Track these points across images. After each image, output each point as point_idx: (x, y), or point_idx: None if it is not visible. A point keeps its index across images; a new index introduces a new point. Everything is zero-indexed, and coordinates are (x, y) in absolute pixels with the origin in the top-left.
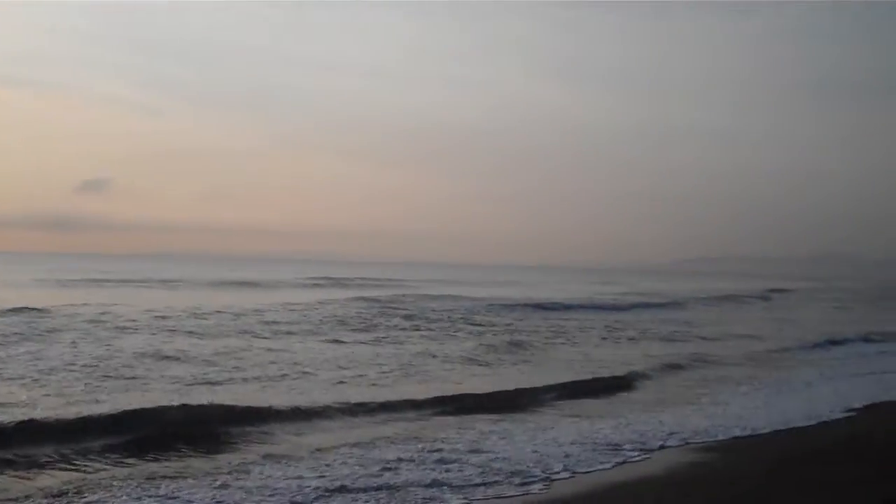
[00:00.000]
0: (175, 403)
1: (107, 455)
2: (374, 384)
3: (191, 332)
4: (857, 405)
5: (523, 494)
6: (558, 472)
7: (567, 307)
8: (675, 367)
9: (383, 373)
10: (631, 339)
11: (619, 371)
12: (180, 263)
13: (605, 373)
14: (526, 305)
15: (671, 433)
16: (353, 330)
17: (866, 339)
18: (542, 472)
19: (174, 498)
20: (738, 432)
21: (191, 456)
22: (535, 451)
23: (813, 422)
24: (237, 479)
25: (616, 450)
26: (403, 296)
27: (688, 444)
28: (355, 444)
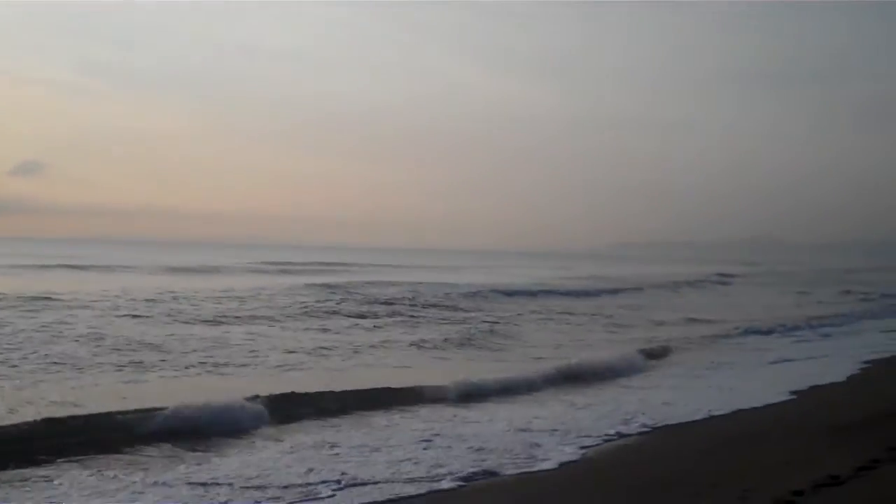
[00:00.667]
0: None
1: None
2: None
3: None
4: (798, 388)
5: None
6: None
7: (532, 293)
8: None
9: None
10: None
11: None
12: (119, 247)
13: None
14: (496, 291)
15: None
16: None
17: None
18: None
19: None
20: (676, 417)
21: None
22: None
23: (755, 405)
24: None
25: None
26: (367, 283)
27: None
28: None
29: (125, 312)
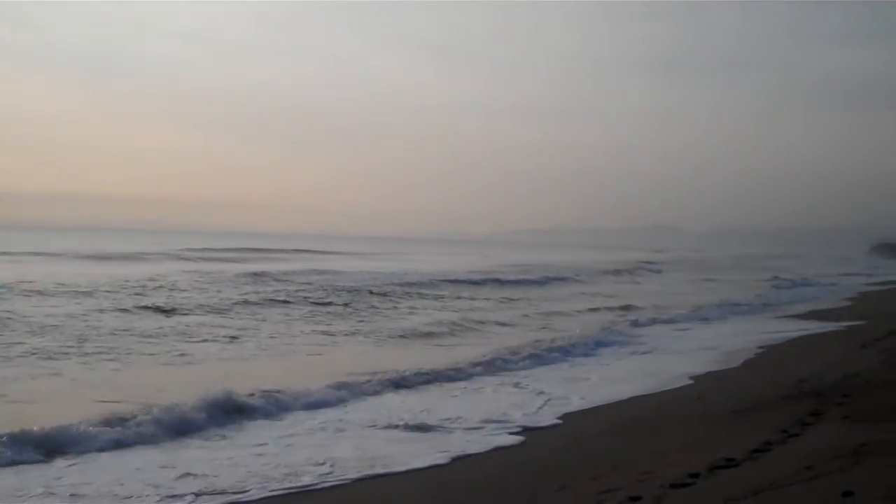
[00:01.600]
0: None
1: None
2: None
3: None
4: (696, 373)
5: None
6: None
7: (477, 283)
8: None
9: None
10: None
11: None
12: (21, 234)
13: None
14: (442, 280)
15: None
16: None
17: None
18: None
19: None
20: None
21: None
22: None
23: (655, 390)
24: None
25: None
26: (296, 271)
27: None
28: None
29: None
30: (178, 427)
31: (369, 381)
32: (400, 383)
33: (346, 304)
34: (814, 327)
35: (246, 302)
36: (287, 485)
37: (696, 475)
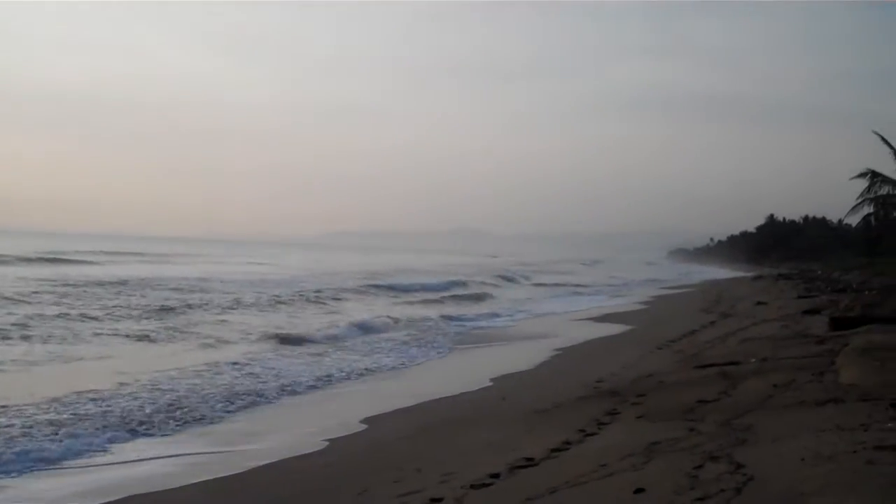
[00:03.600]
0: None
1: None
2: None
3: None
4: (495, 374)
5: None
6: None
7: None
8: None
9: None
10: None
11: None
12: None
13: None
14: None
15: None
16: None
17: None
18: None
19: None
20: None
21: None
22: None
23: (455, 392)
24: None
25: None
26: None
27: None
28: None
29: None
30: None
31: None
32: None
33: None
34: (610, 330)
35: None
36: None
37: (496, 475)
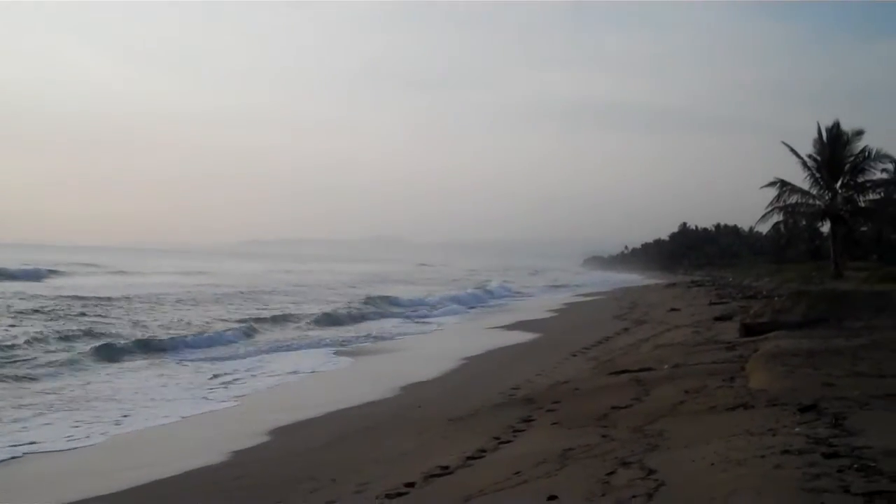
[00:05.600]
0: None
1: None
2: None
3: None
4: (405, 383)
5: None
6: None
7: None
8: None
9: None
10: None
11: None
12: None
13: None
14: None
15: None
16: None
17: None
18: None
19: None
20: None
21: None
22: None
23: (366, 400)
24: None
25: None
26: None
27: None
28: None
29: None
30: None
31: None
32: None
33: None
34: (521, 338)
35: None
36: None
37: (411, 484)
